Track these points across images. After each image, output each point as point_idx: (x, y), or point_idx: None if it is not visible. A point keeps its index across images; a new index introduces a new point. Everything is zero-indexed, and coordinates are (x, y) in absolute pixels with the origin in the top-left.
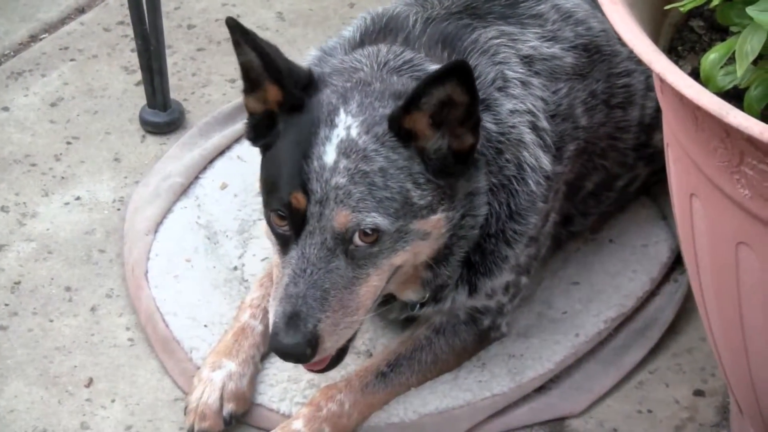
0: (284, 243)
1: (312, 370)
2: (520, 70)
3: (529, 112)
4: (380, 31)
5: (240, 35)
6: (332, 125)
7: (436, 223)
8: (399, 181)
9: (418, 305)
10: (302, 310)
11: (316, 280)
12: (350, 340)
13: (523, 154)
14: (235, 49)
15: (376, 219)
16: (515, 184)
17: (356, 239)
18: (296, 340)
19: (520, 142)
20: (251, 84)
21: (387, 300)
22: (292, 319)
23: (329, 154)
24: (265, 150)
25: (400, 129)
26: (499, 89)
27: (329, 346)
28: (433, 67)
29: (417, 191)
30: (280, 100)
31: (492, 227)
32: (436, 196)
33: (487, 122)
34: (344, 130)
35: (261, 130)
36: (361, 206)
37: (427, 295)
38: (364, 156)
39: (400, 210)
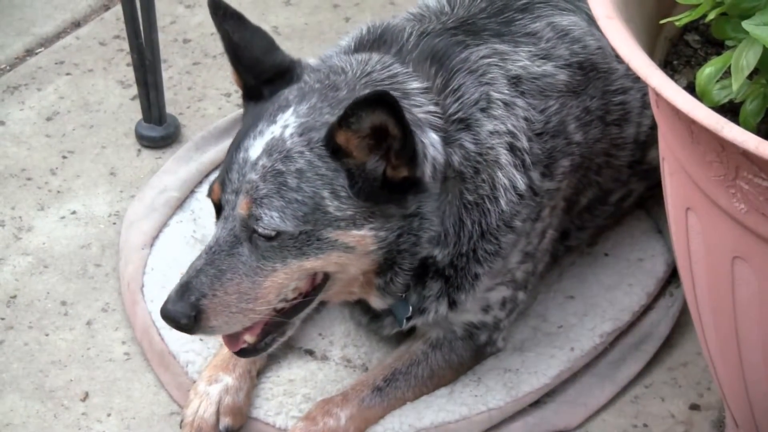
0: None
1: (231, 349)
2: (506, 91)
3: (509, 132)
4: (374, 41)
5: (216, 19)
6: (272, 121)
7: (361, 239)
8: (314, 187)
9: (405, 320)
10: (192, 283)
11: (215, 260)
12: (275, 335)
13: (497, 175)
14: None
15: (273, 219)
16: (488, 203)
17: (258, 230)
18: (176, 308)
19: (496, 163)
20: None
21: (378, 315)
22: (183, 287)
23: (256, 148)
24: None
25: (331, 142)
26: (482, 110)
27: (216, 325)
28: (416, 84)
29: (335, 202)
30: (241, 86)
31: (464, 246)
32: (360, 212)
33: (467, 142)
34: (280, 128)
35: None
36: (265, 202)
37: (391, 303)
38: (286, 156)
39: (309, 215)
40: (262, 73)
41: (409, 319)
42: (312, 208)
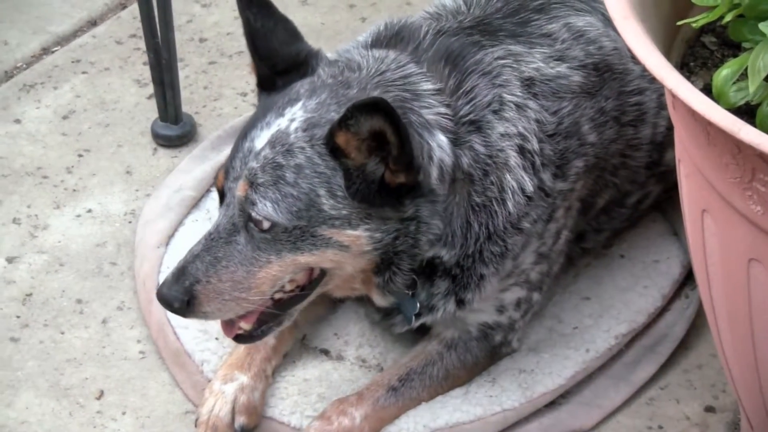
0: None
1: (227, 335)
2: (519, 93)
3: (520, 135)
4: (392, 38)
5: (241, 4)
6: (280, 114)
7: (355, 239)
8: (311, 184)
9: (413, 317)
10: (188, 268)
11: (212, 247)
12: (271, 324)
13: (506, 177)
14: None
15: (266, 207)
16: (495, 205)
17: (252, 214)
18: (170, 291)
19: (506, 165)
20: None
21: (390, 312)
22: (179, 271)
23: (261, 139)
24: None
25: (331, 141)
26: (494, 112)
27: (209, 311)
28: (428, 86)
29: (330, 200)
30: (256, 75)
31: (470, 248)
32: (356, 213)
33: (477, 144)
34: (287, 122)
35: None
36: (261, 190)
37: (393, 301)
38: (287, 150)
39: (304, 211)
40: (277, 63)
41: (418, 316)
42: (307, 204)
